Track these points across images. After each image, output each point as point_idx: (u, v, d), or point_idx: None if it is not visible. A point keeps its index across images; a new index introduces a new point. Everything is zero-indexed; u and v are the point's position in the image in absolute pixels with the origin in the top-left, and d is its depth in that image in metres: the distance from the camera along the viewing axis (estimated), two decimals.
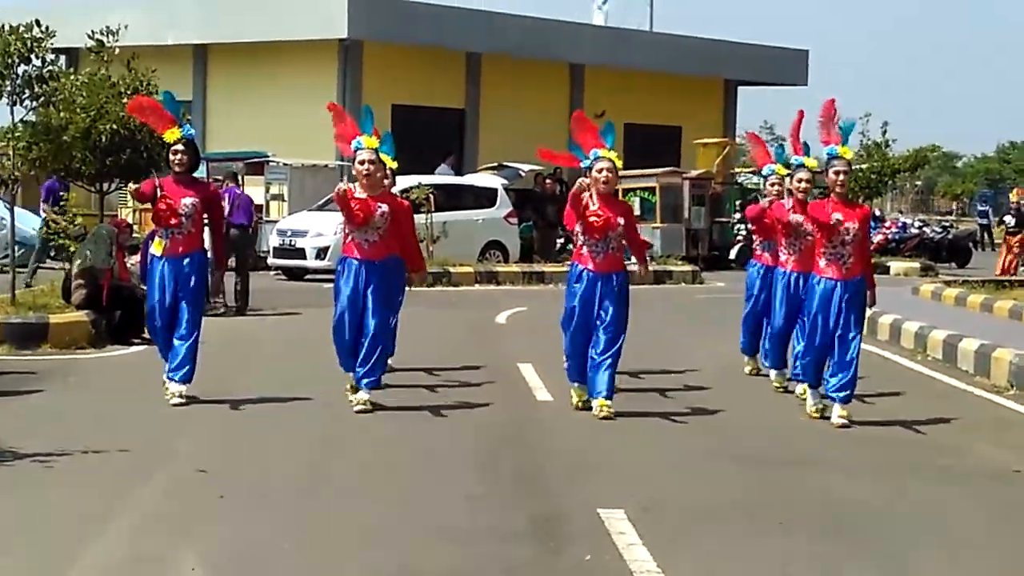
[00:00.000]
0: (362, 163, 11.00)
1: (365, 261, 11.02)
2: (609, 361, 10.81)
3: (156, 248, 11.26)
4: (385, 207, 11.08)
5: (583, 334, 10.98)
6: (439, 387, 12.90)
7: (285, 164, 29.93)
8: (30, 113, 17.15)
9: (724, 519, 8.18)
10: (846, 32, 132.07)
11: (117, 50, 21.07)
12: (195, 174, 11.60)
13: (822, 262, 10.65)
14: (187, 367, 11.31)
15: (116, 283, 16.81)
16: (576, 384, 11.32)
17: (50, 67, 18.73)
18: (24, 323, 15.00)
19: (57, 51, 21.53)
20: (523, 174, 32.02)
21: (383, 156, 11.55)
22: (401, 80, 37.55)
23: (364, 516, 8.11)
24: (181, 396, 11.24)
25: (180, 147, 11.27)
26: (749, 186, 36.50)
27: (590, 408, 11.03)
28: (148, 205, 11.56)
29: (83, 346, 15.42)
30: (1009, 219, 29.68)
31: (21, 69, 16.87)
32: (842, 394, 10.71)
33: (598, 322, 10.83)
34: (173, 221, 11.07)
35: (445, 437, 10.53)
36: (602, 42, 42.24)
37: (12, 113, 17.02)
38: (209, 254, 12.14)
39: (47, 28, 17.84)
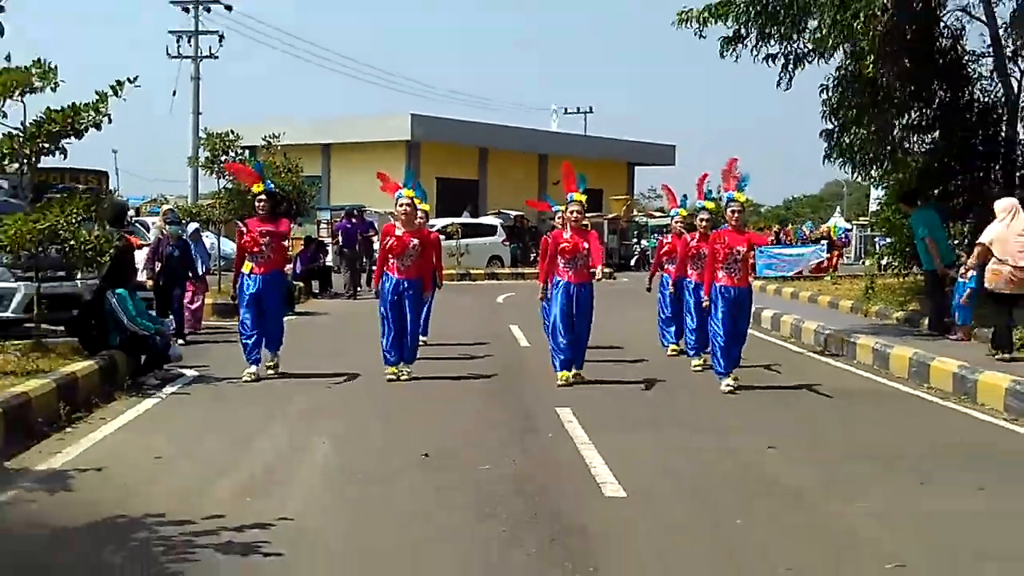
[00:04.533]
0: (401, 206, 9.78)
1: (401, 279, 9.66)
2: (582, 344, 9.54)
3: (245, 268, 9.86)
4: (416, 241, 9.71)
5: (565, 331, 9.43)
6: (462, 341, 12.80)
7: (375, 211, 30.03)
8: (228, 183, 17.30)
9: (631, 418, 8.19)
10: (700, 132, 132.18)
11: (279, 146, 21.04)
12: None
13: (721, 274, 9.36)
14: (276, 339, 9.84)
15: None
16: (563, 371, 9.41)
17: (239, 156, 18.81)
18: (225, 303, 14.85)
19: (243, 147, 21.56)
20: (512, 217, 32.23)
21: (417, 201, 10.36)
22: (442, 163, 37.33)
23: (419, 417, 8.15)
24: (274, 364, 9.83)
25: (263, 196, 10.06)
26: (641, 222, 36.83)
27: (572, 384, 9.33)
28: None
29: None
30: None
31: (223, 157, 17.11)
32: (734, 368, 9.32)
33: (573, 320, 9.42)
34: (255, 249, 9.76)
35: (465, 373, 10.38)
36: (557, 141, 42.10)
37: (218, 183, 17.40)
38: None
39: (237, 134, 17.97)
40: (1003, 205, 10.38)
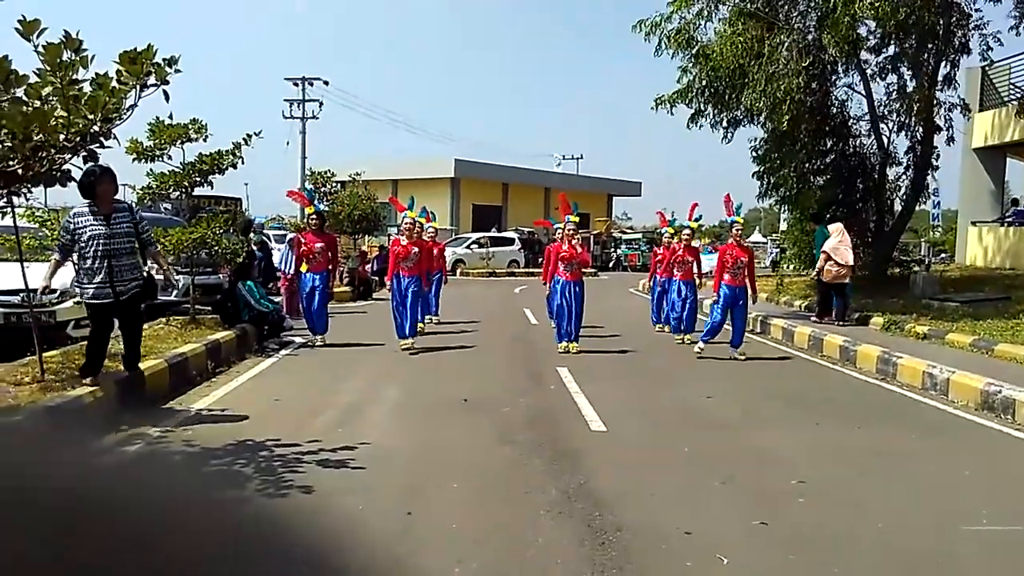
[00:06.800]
0: (405, 223, 9.53)
1: (405, 276, 9.35)
2: (577, 324, 9.35)
3: (303, 268, 9.58)
4: (416, 249, 9.39)
5: (564, 313, 9.29)
6: (489, 319, 12.70)
7: (431, 227, 30.12)
8: (324, 207, 17.27)
9: (609, 375, 8.10)
10: (660, 171, 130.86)
11: (361, 180, 21.06)
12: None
13: (726, 276, 8.93)
14: (323, 324, 9.55)
15: (364, 277, 16.84)
16: (563, 342, 9.29)
17: (336, 187, 18.80)
18: None
19: (336, 181, 21.60)
20: (526, 232, 32.08)
21: (421, 219, 10.06)
22: (476, 194, 37.04)
23: (458, 373, 8.09)
24: (322, 341, 9.46)
25: (314, 215, 9.74)
26: (618, 237, 36.55)
27: (569, 352, 9.19)
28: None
29: (347, 301, 15.36)
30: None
31: (322, 190, 17.04)
32: (741, 343, 9.11)
33: (569, 307, 9.32)
34: (310, 255, 9.48)
35: (491, 341, 10.36)
36: (557, 178, 41.50)
37: (317, 206, 17.18)
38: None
39: (331, 171, 18.01)
40: (835, 227, 11.24)
